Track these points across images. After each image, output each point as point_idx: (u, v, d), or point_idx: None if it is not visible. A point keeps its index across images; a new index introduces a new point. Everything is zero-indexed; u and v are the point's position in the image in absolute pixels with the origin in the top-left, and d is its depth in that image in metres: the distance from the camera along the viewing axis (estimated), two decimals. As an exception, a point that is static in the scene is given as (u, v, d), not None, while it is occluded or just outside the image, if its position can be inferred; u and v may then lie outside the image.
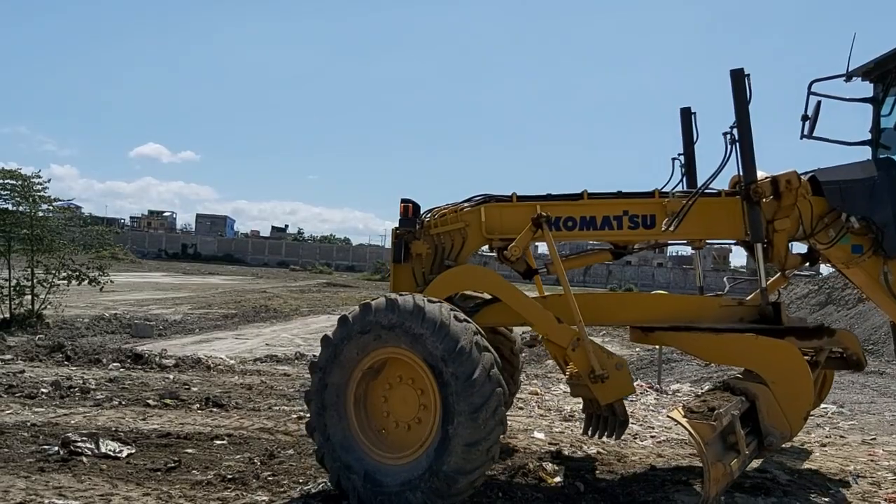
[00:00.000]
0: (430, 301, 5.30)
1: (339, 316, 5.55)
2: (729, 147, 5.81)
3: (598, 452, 7.11)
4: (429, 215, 6.48)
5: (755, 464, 6.70)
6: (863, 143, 6.70)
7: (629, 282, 61.35)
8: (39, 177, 18.17)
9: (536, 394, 10.40)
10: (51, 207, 19.17)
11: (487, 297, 6.40)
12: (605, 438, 6.41)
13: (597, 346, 5.73)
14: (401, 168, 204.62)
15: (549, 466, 6.38)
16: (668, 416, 5.38)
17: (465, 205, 6.43)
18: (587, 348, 5.62)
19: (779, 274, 6.67)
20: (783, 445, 7.34)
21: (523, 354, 7.24)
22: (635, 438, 7.90)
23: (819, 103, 6.69)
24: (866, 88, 6.96)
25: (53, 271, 18.03)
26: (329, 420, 5.41)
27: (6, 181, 17.68)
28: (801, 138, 6.83)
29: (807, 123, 6.75)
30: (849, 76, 6.77)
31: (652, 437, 8.05)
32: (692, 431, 4.68)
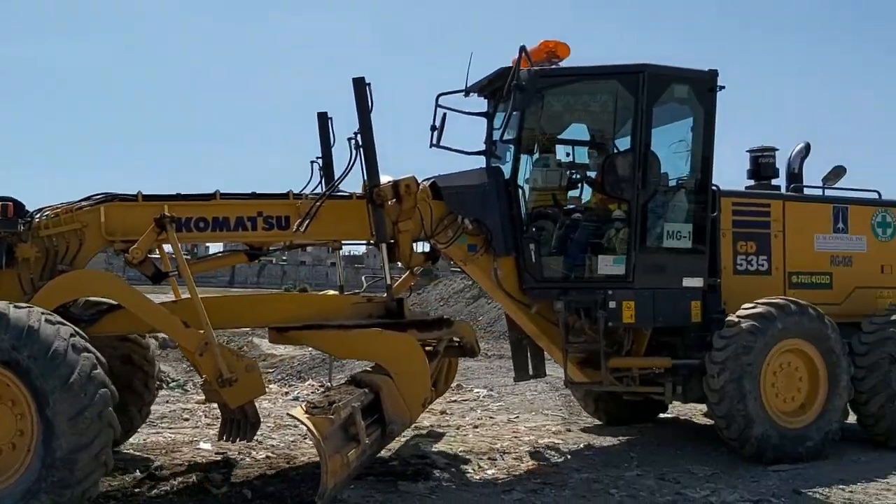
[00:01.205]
0: None
1: None
2: (354, 152, 6.11)
3: (268, 457, 6.94)
4: (39, 215, 5.86)
5: (415, 451, 7.09)
6: (479, 153, 7.48)
7: (303, 281, 61.81)
8: None
9: (203, 403, 9.84)
10: None
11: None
12: (239, 441, 6.33)
13: (226, 349, 5.66)
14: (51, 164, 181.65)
15: (215, 477, 6.11)
16: (287, 415, 5.48)
17: (84, 203, 5.92)
18: (214, 352, 5.51)
19: (408, 272, 7.17)
20: (422, 431, 7.95)
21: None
22: (305, 439, 7.76)
23: (445, 115, 7.36)
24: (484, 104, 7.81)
25: None
26: None
27: None
28: (430, 147, 7.46)
29: (435, 133, 7.39)
30: (467, 92, 7.53)
31: (322, 435, 8.09)
32: (310, 426, 4.81)
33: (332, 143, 7.03)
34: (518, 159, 7.00)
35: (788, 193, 8.05)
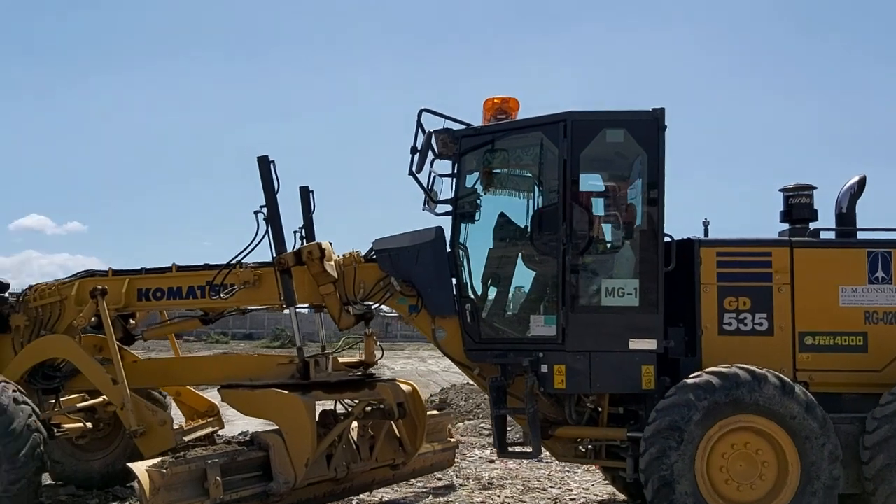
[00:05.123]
0: None
1: None
2: (263, 224, 6.62)
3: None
4: (30, 291, 7.19)
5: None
6: (448, 213, 7.48)
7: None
8: None
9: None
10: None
11: None
12: None
13: (143, 404, 6.43)
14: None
15: None
16: (126, 465, 5.98)
17: (66, 279, 7.17)
18: (128, 407, 6.32)
19: (366, 336, 7.38)
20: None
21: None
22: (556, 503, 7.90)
23: (435, 178, 7.53)
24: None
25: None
26: None
27: None
28: (423, 210, 7.63)
29: (427, 200, 7.57)
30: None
31: (572, 500, 7.97)
32: (140, 477, 5.30)
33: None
34: (457, 218, 6.91)
35: (798, 239, 6.81)
